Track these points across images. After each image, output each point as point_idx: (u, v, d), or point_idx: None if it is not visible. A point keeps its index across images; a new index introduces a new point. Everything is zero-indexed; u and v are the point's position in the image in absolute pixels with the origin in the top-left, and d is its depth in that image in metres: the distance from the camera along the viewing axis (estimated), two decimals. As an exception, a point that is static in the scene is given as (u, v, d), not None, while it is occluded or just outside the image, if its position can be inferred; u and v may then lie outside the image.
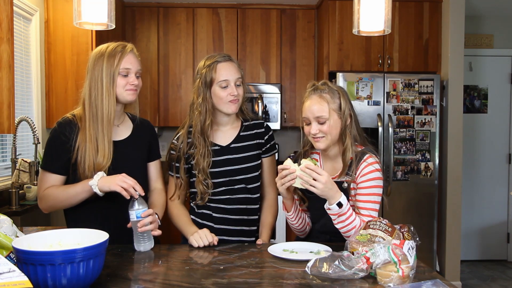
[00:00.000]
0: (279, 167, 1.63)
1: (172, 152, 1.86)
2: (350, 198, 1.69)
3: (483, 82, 4.65)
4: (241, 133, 1.88)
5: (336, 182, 1.66)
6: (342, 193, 1.60)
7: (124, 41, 1.79)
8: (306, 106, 1.71)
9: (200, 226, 1.82)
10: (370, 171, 1.66)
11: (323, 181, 1.54)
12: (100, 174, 1.61)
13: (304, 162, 1.60)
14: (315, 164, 1.59)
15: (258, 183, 1.90)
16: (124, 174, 1.59)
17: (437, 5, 3.90)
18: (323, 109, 1.66)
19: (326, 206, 1.61)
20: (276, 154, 2.02)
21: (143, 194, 1.59)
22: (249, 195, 1.87)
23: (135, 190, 1.57)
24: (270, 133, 1.94)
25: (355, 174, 1.68)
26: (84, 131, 1.67)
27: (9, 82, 1.90)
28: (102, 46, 1.73)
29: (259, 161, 1.90)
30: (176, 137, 1.86)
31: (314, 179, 1.55)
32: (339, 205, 1.58)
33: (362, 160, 1.68)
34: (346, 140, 1.69)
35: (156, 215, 1.71)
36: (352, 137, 1.70)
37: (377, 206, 1.68)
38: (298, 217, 1.81)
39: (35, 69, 3.20)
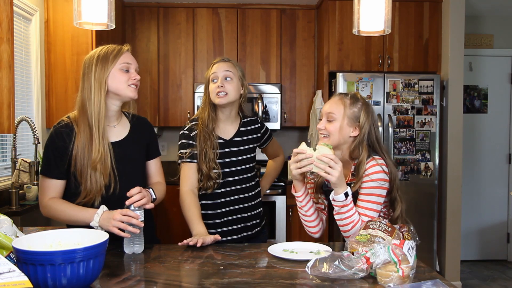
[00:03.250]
0: (295, 150, 1.64)
1: (184, 140, 1.98)
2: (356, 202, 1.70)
3: (483, 82, 4.65)
4: (241, 128, 2.07)
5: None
6: (347, 185, 1.63)
7: (123, 42, 1.80)
8: (325, 103, 1.80)
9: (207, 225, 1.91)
10: (371, 179, 1.66)
11: (339, 170, 1.57)
12: (100, 211, 1.58)
13: (321, 148, 1.60)
14: (331, 149, 1.60)
15: (252, 173, 2.09)
16: (119, 213, 1.55)
17: (437, 5, 3.90)
18: (337, 109, 1.72)
19: (331, 196, 1.63)
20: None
21: (142, 226, 1.57)
22: (246, 185, 2.06)
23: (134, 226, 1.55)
24: (264, 125, 2.19)
25: (360, 176, 1.69)
26: (82, 133, 1.66)
27: (9, 82, 1.90)
28: (95, 50, 1.73)
29: (254, 154, 2.11)
30: (186, 127, 2.00)
31: (331, 167, 1.57)
32: (346, 195, 1.60)
33: (365, 163, 1.68)
34: (362, 153, 1.69)
35: (151, 189, 1.70)
36: (368, 152, 1.70)
37: (375, 207, 1.67)
38: (308, 200, 1.79)
39: (35, 69, 3.20)
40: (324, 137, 1.73)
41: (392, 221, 1.72)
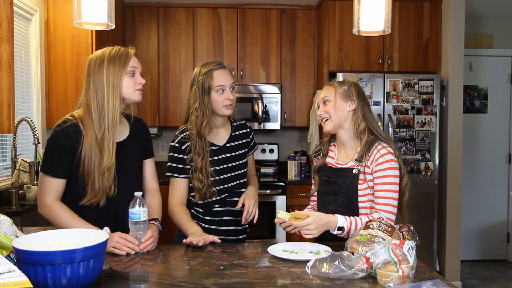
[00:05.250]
0: (275, 220, 1.69)
1: (174, 154, 1.93)
2: (359, 182, 1.75)
3: (483, 82, 4.65)
4: (233, 133, 2.04)
5: (346, 168, 1.79)
6: (336, 216, 1.65)
7: (123, 42, 1.80)
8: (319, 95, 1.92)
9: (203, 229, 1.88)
10: (384, 160, 1.71)
11: (312, 228, 1.60)
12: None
13: (283, 215, 1.65)
14: (296, 218, 1.63)
15: (246, 179, 2.05)
16: (117, 236, 1.58)
17: (437, 5, 3.90)
18: (329, 93, 1.85)
19: (332, 233, 1.67)
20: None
21: (137, 250, 1.59)
22: (243, 189, 2.00)
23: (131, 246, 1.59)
24: (252, 131, 2.14)
25: (367, 161, 1.74)
26: (89, 135, 1.65)
27: (9, 82, 1.90)
28: (103, 51, 1.71)
29: (246, 159, 2.06)
30: (177, 140, 1.94)
31: (302, 230, 1.62)
32: (340, 228, 1.64)
33: (373, 148, 1.75)
34: (361, 124, 1.79)
35: (157, 221, 1.75)
36: (366, 122, 1.79)
37: (394, 195, 1.70)
38: None
39: (35, 69, 3.20)
40: (326, 120, 1.82)
41: (398, 207, 1.75)
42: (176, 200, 1.93)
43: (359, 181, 1.74)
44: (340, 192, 1.79)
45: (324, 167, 1.89)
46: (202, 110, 1.90)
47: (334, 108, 1.81)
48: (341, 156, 1.86)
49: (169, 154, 1.96)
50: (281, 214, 1.65)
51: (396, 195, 1.71)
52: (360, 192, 1.75)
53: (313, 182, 1.96)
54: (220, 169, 1.95)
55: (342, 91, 1.82)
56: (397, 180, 1.72)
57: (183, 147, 1.92)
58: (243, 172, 2.02)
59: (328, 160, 1.90)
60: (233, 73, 2.03)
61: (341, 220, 1.64)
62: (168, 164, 1.95)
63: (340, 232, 1.64)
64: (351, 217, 1.67)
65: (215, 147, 1.96)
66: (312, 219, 1.61)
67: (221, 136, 2.00)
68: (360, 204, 1.74)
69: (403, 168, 1.78)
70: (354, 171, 1.76)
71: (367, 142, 1.76)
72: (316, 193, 1.93)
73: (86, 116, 1.68)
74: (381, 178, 1.71)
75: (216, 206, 1.95)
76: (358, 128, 1.80)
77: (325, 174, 1.87)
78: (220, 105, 1.91)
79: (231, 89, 1.94)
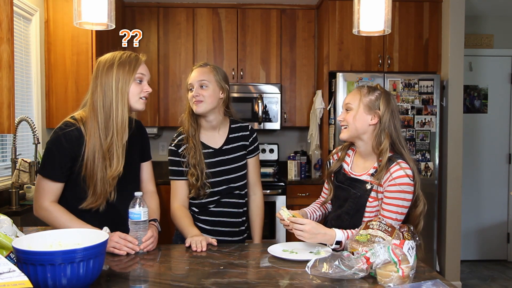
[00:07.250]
0: (276, 215, 1.69)
1: (172, 157, 1.97)
2: (369, 200, 1.68)
3: (483, 82, 4.65)
4: (230, 135, 2.02)
5: (360, 179, 1.71)
6: (334, 231, 1.59)
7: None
8: None
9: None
10: (396, 183, 1.62)
11: (306, 229, 1.56)
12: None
13: (285, 214, 1.65)
14: (293, 216, 1.62)
15: (245, 181, 2.04)
16: (117, 236, 1.58)
17: (437, 5, 3.90)
18: (353, 100, 1.73)
19: (330, 247, 1.61)
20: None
21: (137, 250, 1.59)
22: (238, 191, 2.01)
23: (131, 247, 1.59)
24: (254, 135, 2.08)
25: (382, 179, 1.65)
26: (93, 138, 1.63)
27: (9, 82, 1.90)
28: (113, 54, 1.70)
29: (245, 161, 2.04)
30: (173, 144, 1.98)
31: (297, 229, 1.58)
32: (338, 243, 1.58)
33: (390, 167, 1.64)
34: (384, 141, 1.67)
35: (156, 222, 1.75)
36: (389, 141, 1.68)
37: (401, 210, 1.62)
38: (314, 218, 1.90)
39: (35, 69, 3.20)
40: (344, 128, 1.74)
41: (414, 219, 1.69)
42: (178, 203, 1.94)
43: (370, 198, 1.68)
44: (349, 200, 1.73)
45: (338, 172, 1.82)
46: (187, 110, 1.98)
47: (354, 119, 1.70)
48: (358, 167, 1.77)
49: (168, 158, 1.99)
50: (283, 212, 1.66)
51: (397, 222, 1.62)
52: (367, 209, 1.68)
53: (325, 187, 1.90)
54: (216, 171, 1.95)
55: (367, 101, 1.70)
56: (404, 209, 1.63)
57: (179, 150, 1.95)
58: (241, 175, 2.01)
59: (343, 165, 1.82)
60: (214, 71, 1.99)
61: (339, 234, 1.58)
62: (169, 167, 1.98)
63: (338, 246, 1.58)
64: (349, 230, 1.61)
65: (210, 150, 1.96)
66: (309, 222, 1.58)
67: (216, 138, 2.00)
68: (364, 219, 1.67)
69: (420, 195, 1.67)
70: (367, 185, 1.68)
71: (386, 161, 1.65)
72: (324, 197, 1.90)
73: (90, 119, 1.65)
74: (387, 199, 1.63)
75: (212, 206, 1.97)
76: (379, 146, 1.68)
77: (338, 179, 1.81)
78: (190, 102, 1.94)
79: (201, 86, 1.92)
